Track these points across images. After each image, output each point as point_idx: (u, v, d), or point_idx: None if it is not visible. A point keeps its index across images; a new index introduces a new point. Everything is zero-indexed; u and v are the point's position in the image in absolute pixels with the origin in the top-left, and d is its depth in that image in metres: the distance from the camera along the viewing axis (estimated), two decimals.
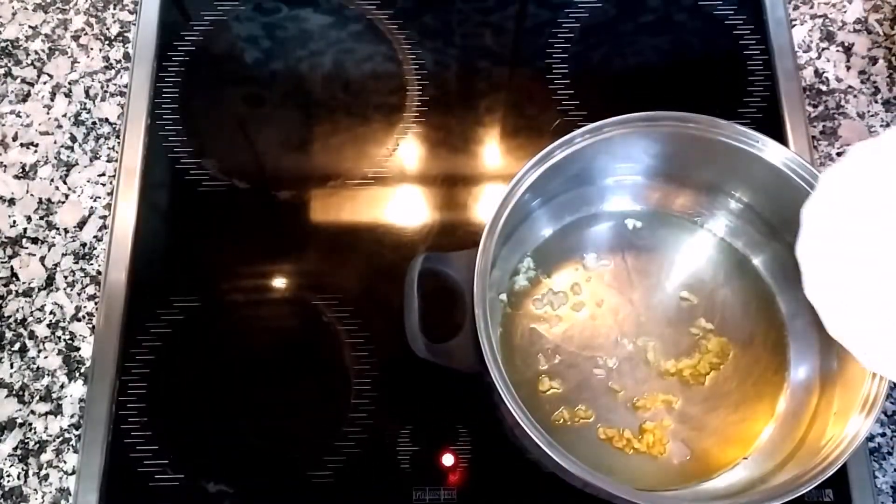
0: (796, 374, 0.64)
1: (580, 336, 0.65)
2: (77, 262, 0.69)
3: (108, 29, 0.78)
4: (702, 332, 0.65)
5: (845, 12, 0.79)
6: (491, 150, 0.74)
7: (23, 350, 0.67)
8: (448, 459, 0.63)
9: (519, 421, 0.53)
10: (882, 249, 0.41)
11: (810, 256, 0.44)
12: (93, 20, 0.78)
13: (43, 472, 0.63)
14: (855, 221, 0.42)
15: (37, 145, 0.73)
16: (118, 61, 0.76)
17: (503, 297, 0.66)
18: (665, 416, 0.63)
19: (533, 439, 0.53)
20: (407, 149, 0.73)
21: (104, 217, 0.71)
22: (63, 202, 0.71)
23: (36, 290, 0.69)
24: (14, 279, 0.69)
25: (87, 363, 0.66)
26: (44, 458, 0.64)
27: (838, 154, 0.74)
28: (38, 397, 0.66)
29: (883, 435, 0.65)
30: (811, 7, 0.79)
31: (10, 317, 0.68)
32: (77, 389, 0.66)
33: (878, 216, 0.42)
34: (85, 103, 0.75)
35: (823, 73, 0.77)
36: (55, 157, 0.73)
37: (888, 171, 0.42)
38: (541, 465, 0.61)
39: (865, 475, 0.63)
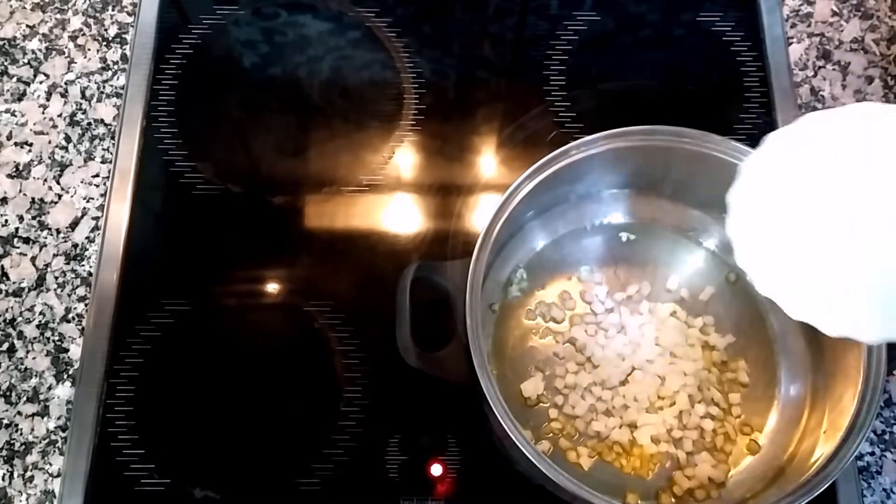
0: (787, 391, 0.64)
1: (571, 349, 0.65)
2: (68, 263, 0.69)
3: (106, 30, 0.78)
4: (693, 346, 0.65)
5: (842, 31, 0.79)
6: (486, 161, 0.74)
7: (11, 350, 0.66)
8: (436, 469, 0.63)
9: (508, 432, 0.53)
10: (801, 215, 0.49)
11: (740, 232, 0.51)
12: (91, 21, 0.78)
13: (28, 474, 0.63)
14: (776, 196, 0.50)
15: (31, 145, 0.73)
16: (115, 63, 0.76)
17: (495, 307, 0.66)
18: (655, 429, 0.63)
19: (522, 451, 0.53)
20: (403, 157, 0.73)
21: (97, 218, 0.70)
22: (56, 202, 0.71)
23: (26, 290, 0.68)
24: (4, 279, 0.68)
25: (76, 365, 0.66)
26: (29, 459, 0.63)
27: None
28: (25, 398, 0.65)
29: (872, 454, 0.65)
30: (808, 25, 0.80)
31: None
32: (65, 391, 0.65)
33: (796, 189, 0.49)
34: (81, 104, 0.75)
35: (819, 91, 0.77)
36: (49, 157, 0.73)
37: (801, 150, 0.49)
38: (530, 476, 0.60)
39: (854, 494, 0.62)
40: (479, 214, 0.71)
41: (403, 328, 0.58)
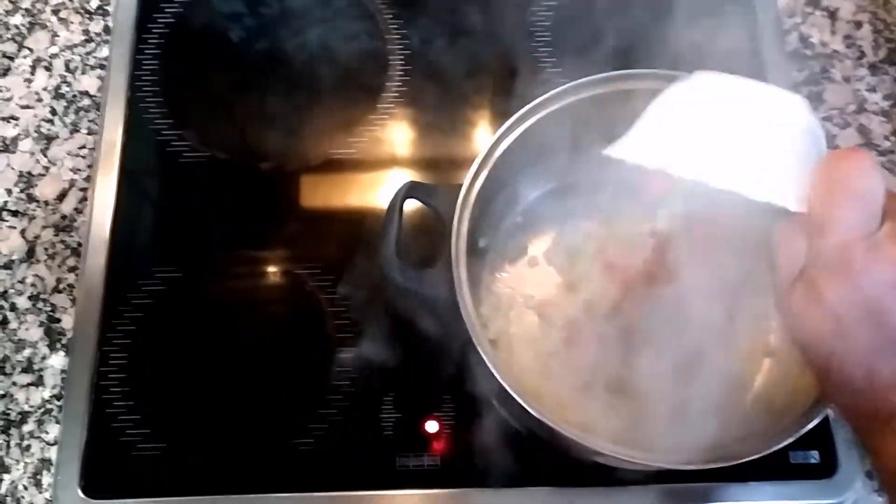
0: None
1: (554, 302, 0.64)
2: (57, 235, 0.69)
3: (87, 2, 0.77)
4: None
5: None
6: (475, 129, 0.73)
7: (4, 322, 0.66)
8: (432, 426, 0.63)
9: (502, 382, 0.52)
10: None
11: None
12: None
13: (25, 443, 0.63)
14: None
15: (17, 119, 0.73)
16: (98, 34, 0.76)
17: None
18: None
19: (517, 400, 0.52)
20: (390, 125, 0.72)
21: (84, 189, 0.70)
22: (43, 175, 0.71)
23: (17, 262, 0.68)
24: None
25: (69, 334, 0.66)
26: (25, 429, 0.64)
27: (824, 118, 0.73)
28: (19, 369, 0.65)
29: None
30: None
31: None
32: (58, 361, 0.65)
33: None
34: (65, 76, 0.74)
35: (808, 37, 0.76)
36: (35, 131, 0.72)
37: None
38: (523, 431, 0.60)
39: (852, 437, 0.62)
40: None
41: (389, 243, 0.57)
